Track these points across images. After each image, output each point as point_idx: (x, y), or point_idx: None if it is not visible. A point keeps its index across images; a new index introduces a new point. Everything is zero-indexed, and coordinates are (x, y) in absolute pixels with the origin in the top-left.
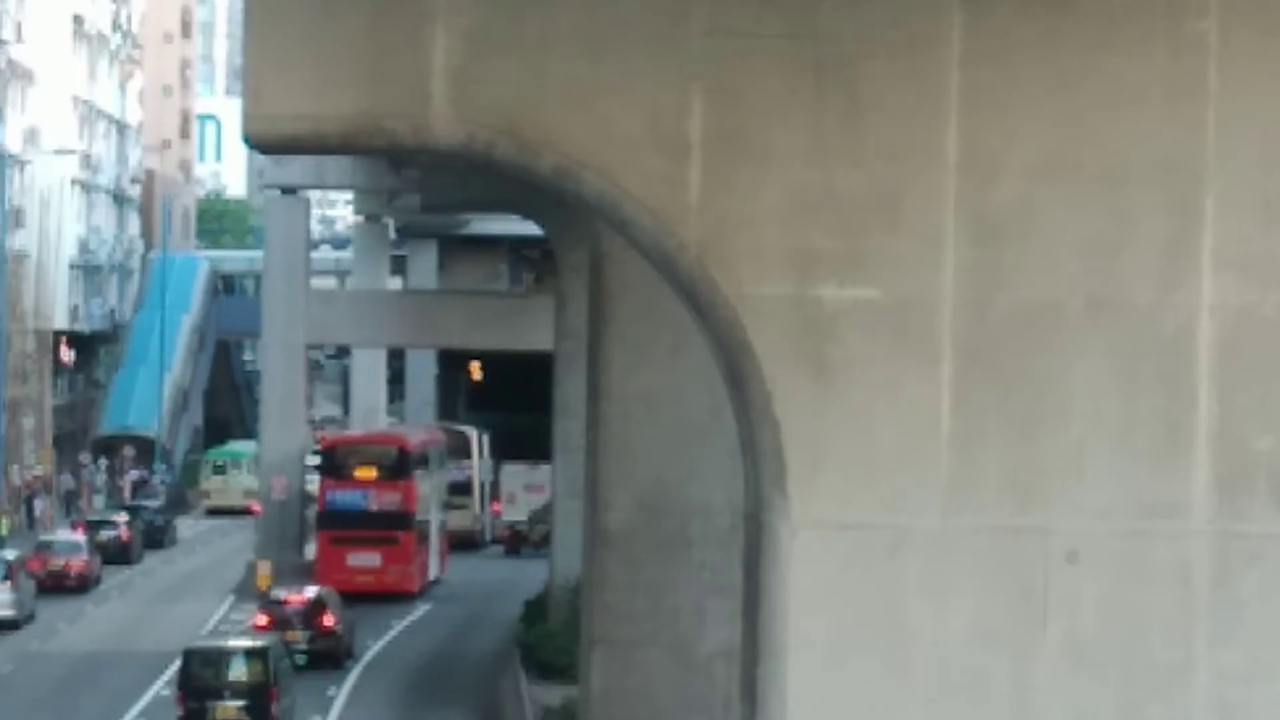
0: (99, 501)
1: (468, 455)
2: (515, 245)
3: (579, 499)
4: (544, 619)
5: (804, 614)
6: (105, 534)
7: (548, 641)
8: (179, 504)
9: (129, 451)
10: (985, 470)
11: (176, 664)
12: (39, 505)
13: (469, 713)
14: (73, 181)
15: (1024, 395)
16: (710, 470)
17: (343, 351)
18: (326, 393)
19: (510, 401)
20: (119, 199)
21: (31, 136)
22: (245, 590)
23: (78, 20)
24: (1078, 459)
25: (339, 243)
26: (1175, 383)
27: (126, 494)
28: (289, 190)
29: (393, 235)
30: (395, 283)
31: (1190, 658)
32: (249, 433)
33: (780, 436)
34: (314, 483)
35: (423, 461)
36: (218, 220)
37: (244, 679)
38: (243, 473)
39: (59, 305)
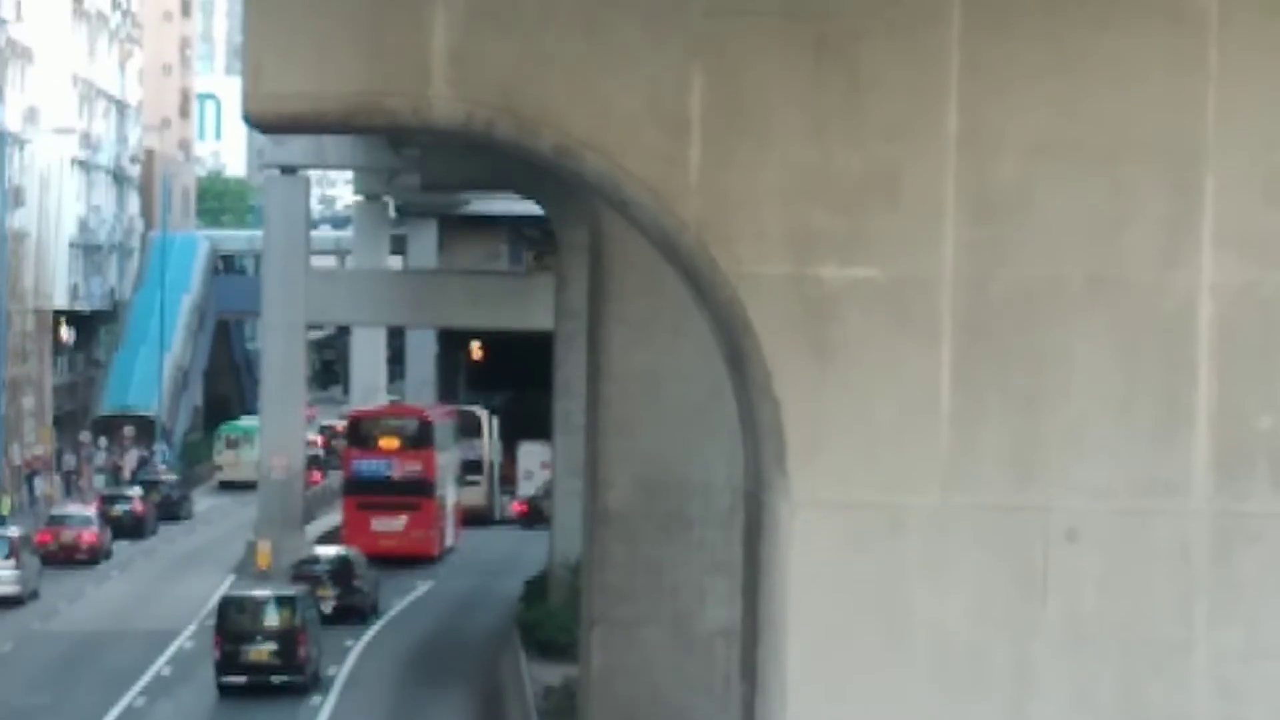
0: (99, 481)
1: (479, 436)
2: (515, 224)
3: (579, 478)
4: (544, 598)
5: (804, 592)
6: (120, 508)
7: (548, 621)
8: (188, 479)
9: (129, 431)
10: (985, 449)
11: (178, 641)
12: (39, 484)
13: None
14: (72, 161)
15: (1024, 374)
16: (710, 449)
17: (342, 331)
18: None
19: (510, 381)
20: (119, 178)
21: (31, 115)
22: (245, 569)
23: None
24: (1078, 437)
25: (339, 222)
26: (1175, 361)
27: (126, 473)
28: (289, 169)
29: (392, 214)
30: (395, 262)
31: (1190, 636)
32: (249, 411)
33: (780, 415)
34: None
35: (441, 434)
36: (217, 199)
37: (275, 625)
38: (255, 447)
39: (59, 284)
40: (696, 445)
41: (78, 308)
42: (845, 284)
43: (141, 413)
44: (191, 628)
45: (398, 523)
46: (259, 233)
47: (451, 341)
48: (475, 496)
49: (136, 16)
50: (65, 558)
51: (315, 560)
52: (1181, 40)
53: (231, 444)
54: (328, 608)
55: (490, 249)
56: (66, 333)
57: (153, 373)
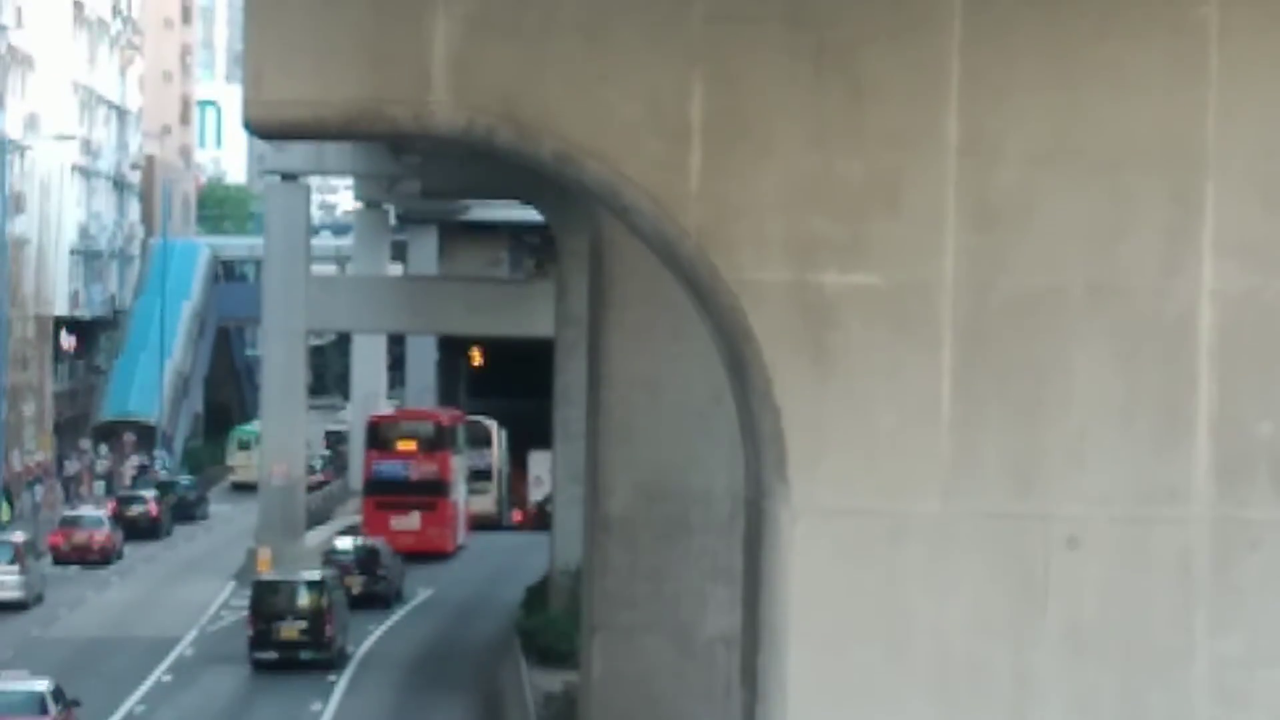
0: (99, 487)
1: (488, 445)
2: (516, 231)
3: (579, 485)
4: (544, 605)
5: (805, 600)
6: (135, 509)
7: (548, 627)
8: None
9: (129, 437)
10: (986, 456)
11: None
12: (38, 491)
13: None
14: (73, 167)
15: (1025, 381)
16: (711, 456)
17: (343, 338)
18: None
19: (510, 387)
20: (119, 185)
21: (32, 122)
22: (245, 576)
23: (78, 6)
24: (1078, 445)
25: (339, 229)
26: (1176, 368)
27: (127, 480)
28: (289, 176)
29: (393, 221)
30: (395, 269)
31: (1190, 644)
32: (249, 419)
33: (781, 422)
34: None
35: (454, 438)
36: (218, 206)
37: (304, 605)
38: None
39: (59, 291)
40: (697, 452)
41: (78, 314)
42: (846, 291)
43: (142, 419)
44: (192, 634)
45: (414, 521)
46: (259, 239)
47: (452, 348)
48: (485, 504)
49: (137, 23)
50: (77, 558)
51: (345, 550)
52: (1182, 49)
53: (244, 446)
54: (354, 593)
55: (491, 256)
56: (67, 339)
57: (153, 379)
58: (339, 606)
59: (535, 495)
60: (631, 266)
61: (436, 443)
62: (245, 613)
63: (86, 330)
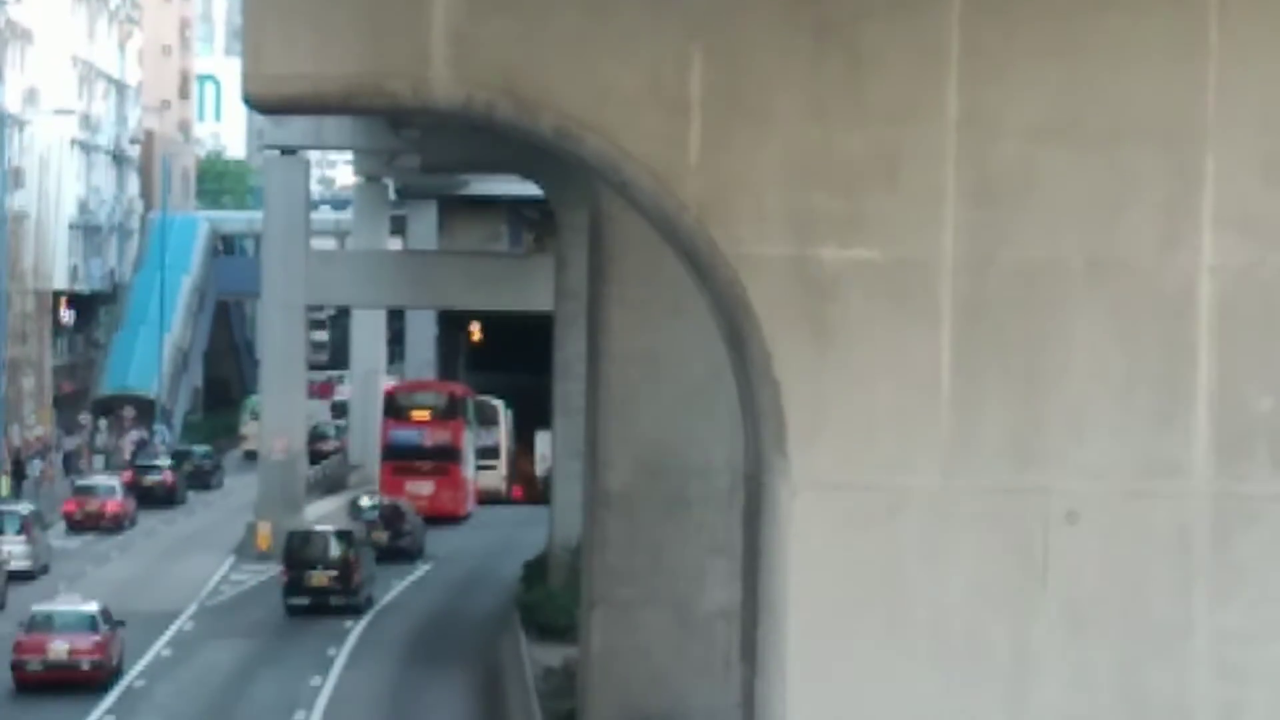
0: (98, 462)
1: (496, 424)
2: (515, 206)
3: (578, 460)
4: (544, 580)
5: (804, 574)
6: (151, 478)
7: (548, 602)
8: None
9: (129, 412)
10: (985, 430)
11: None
12: (37, 465)
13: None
14: (72, 142)
15: (1024, 356)
16: (710, 431)
17: (342, 312)
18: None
19: (509, 362)
20: (118, 159)
21: (30, 96)
22: (245, 551)
23: None
24: (1078, 419)
25: (339, 203)
26: (1176, 343)
27: (126, 454)
28: (288, 151)
29: (392, 196)
30: (395, 243)
31: (1189, 618)
32: (248, 393)
33: (780, 397)
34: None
35: (465, 409)
36: (217, 180)
37: (333, 555)
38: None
39: (58, 265)
40: (696, 427)
41: (77, 289)
42: (845, 266)
43: (141, 394)
44: (192, 608)
45: (428, 486)
46: (259, 214)
47: (451, 323)
48: (492, 479)
49: None
50: (90, 525)
51: (372, 507)
52: (1181, 22)
53: (257, 416)
54: (381, 547)
55: (490, 230)
56: (66, 314)
57: (152, 354)
58: (366, 557)
59: (540, 472)
60: (631, 241)
61: (449, 412)
62: (245, 587)
63: (86, 305)
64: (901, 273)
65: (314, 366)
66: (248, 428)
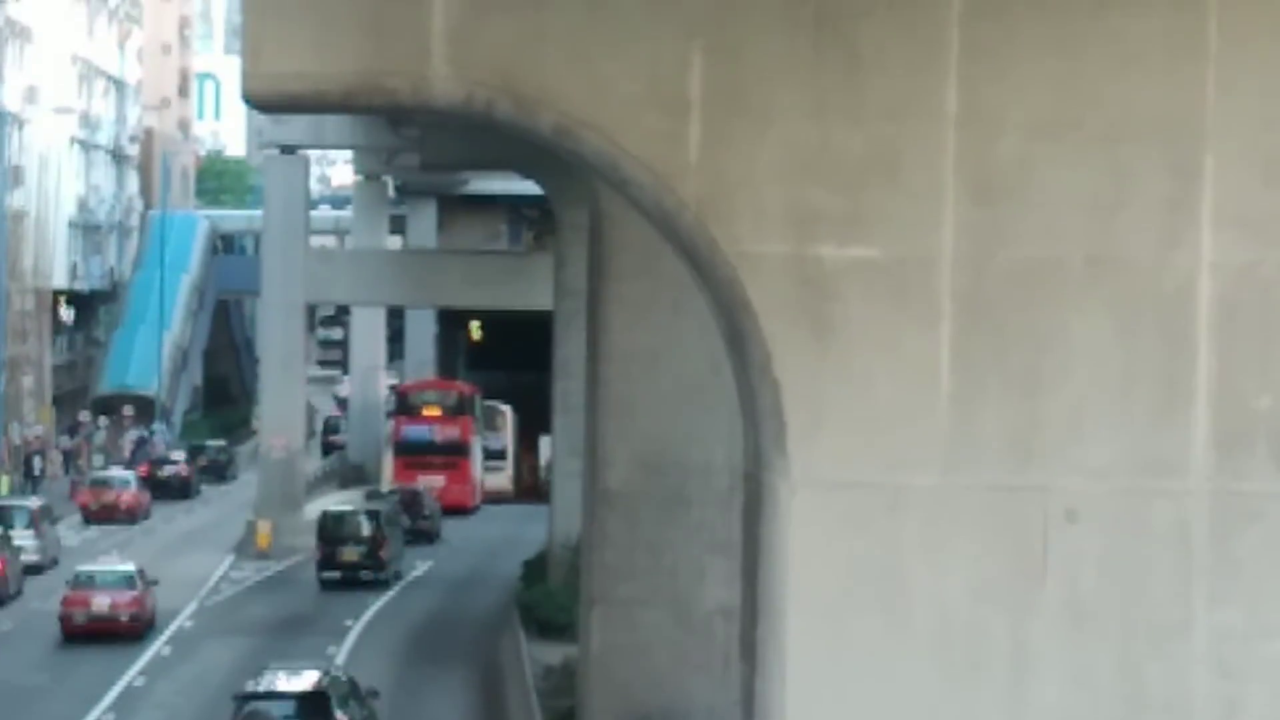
0: (98, 460)
1: (503, 428)
2: (515, 204)
3: (578, 458)
4: (543, 578)
5: (803, 573)
6: (166, 471)
7: (547, 600)
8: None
9: (128, 410)
10: (985, 428)
11: (178, 621)
12: (37, 463)
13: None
14: (71, 140)
15: (1024, 353)
16: (710, 429)
17: (340, 312)
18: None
19: (509, 360)
20: (118, 157)
21: (30, 95)
22: (244, 549)
23: None
24: (1077, 417)
25: (338, 201)
26: (1175, 341)
27: (125, 453)
28: (288, 149)
29: (392, 194)
30: (394, 242)
31: (1189, 616)
32: (248, 392)
33: (780, 395)
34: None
35: (473, 406)
36: (217, 179)
37: (364, 533)
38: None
39: (58, 264)
40: (696, 425)
41: (77, 287)
42: (845, 264)
43: (141, 392)
44: (192, 607)
45: (439, 479)
46: (258, 212)
47: (451, 321)
48: (499, 480)
49: None
50: (105, 517)
51: (394, 493)
52: (1181, 21)
53: None
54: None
55: (490, 229)
56: (66, 312)
57: (152, 352)
58: (394, 535)
59: (544, 475)
60: (630, 239)
61: (458, 409)
62: (244, 585)
63: (85, 303)
64: (901, 271)
65: (326, 364)
66: (259, 421)
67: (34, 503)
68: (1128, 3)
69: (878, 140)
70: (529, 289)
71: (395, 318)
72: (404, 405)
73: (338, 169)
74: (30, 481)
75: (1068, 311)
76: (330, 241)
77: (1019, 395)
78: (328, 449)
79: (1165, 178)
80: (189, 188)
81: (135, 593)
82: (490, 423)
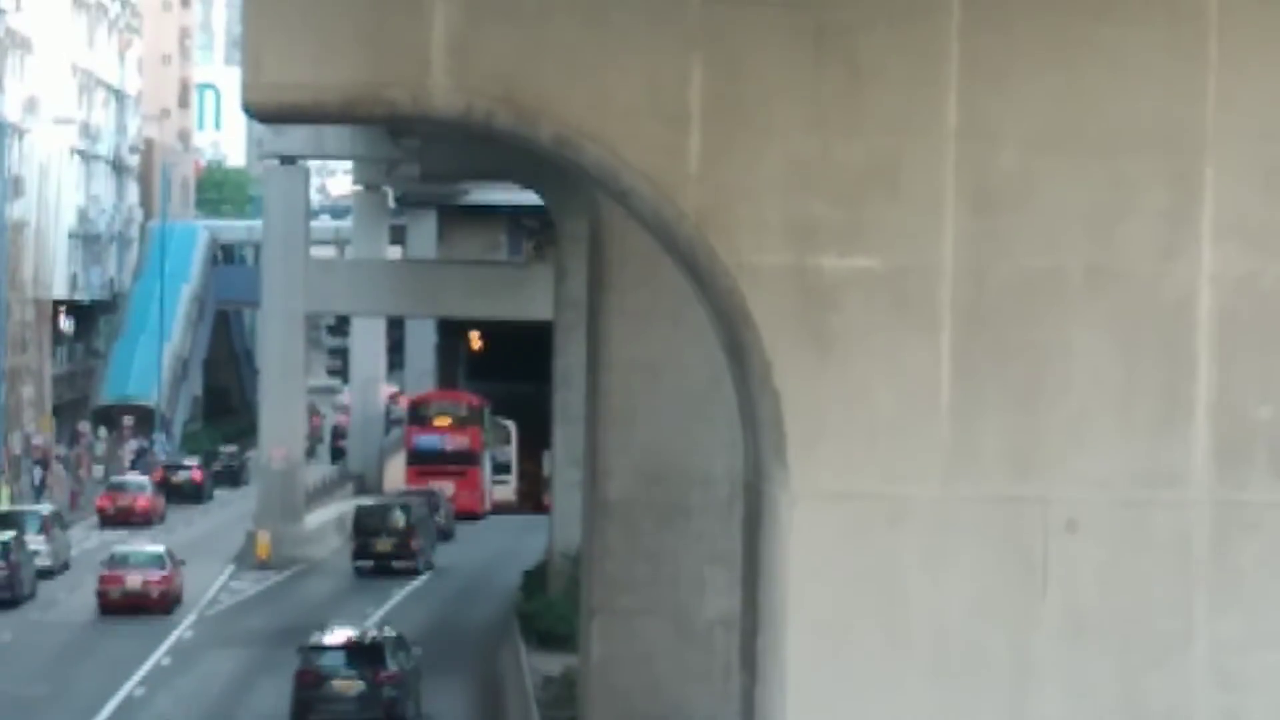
0: (97, 471)
1: (508, 443)
2: (514, 215)
3: (578, 469)
4: (543, 588)
5: (804, 583)
6: (180, 476)
7: (547, 611)
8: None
9: (128, 420)
10: (985, 439)
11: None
12: (38, 473)
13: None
14: (72, 150)
15: (1024, 365)
16: (710, 440)
17: (342, 322)
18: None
19: (509, 371)
20: (118, 168)
21: (30, 105)
22: (244, 559)
23: None
24: (1078, 428)
25: (338, 212)
26: (1175, 352)
27: (126, 463)
28: (288, 159)
29: (392, 205)
30: (394, 252)
31: (1189, 627)
32: (248, 402)
33: (780, 406)
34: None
35: (482, 417)
36: (217, 189)
37: (396, 525)
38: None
39: (58, 274)
40: (696, 435)
41: (77, 297)
42: (845, 274)
43: (141, 402)
44: (191, 617)
45: (450, 487)
46: (258, 223)
47: (451, 331)
48: (505, 492)
49: (136, 6)
50: (123, 521)
51: (414, 492)
52: (1181, 31)
53: None
54: None
55: (490, 239)
56: (66, 322)
57: (152, 363)
58: (424, 527)
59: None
60: (630, 250)
61: (467, 420)
62: (245, 595)
63: (85, 313)
64: (901, 282)
65: (335, 372)
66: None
67: (45, 509)
68: (1127, 14)
69: (878, 152)
70: (529, 299)
71: (395, 328)
72: (416, 415)
73: (336, 179)
74: (34, 491)
75: (1068, 323)
76: (330, 252)
77: (1019, 406)
78: (337, 454)
79: (1165, 189)
80: (189, 198)
81: (165, 571)
82: (496, 438)
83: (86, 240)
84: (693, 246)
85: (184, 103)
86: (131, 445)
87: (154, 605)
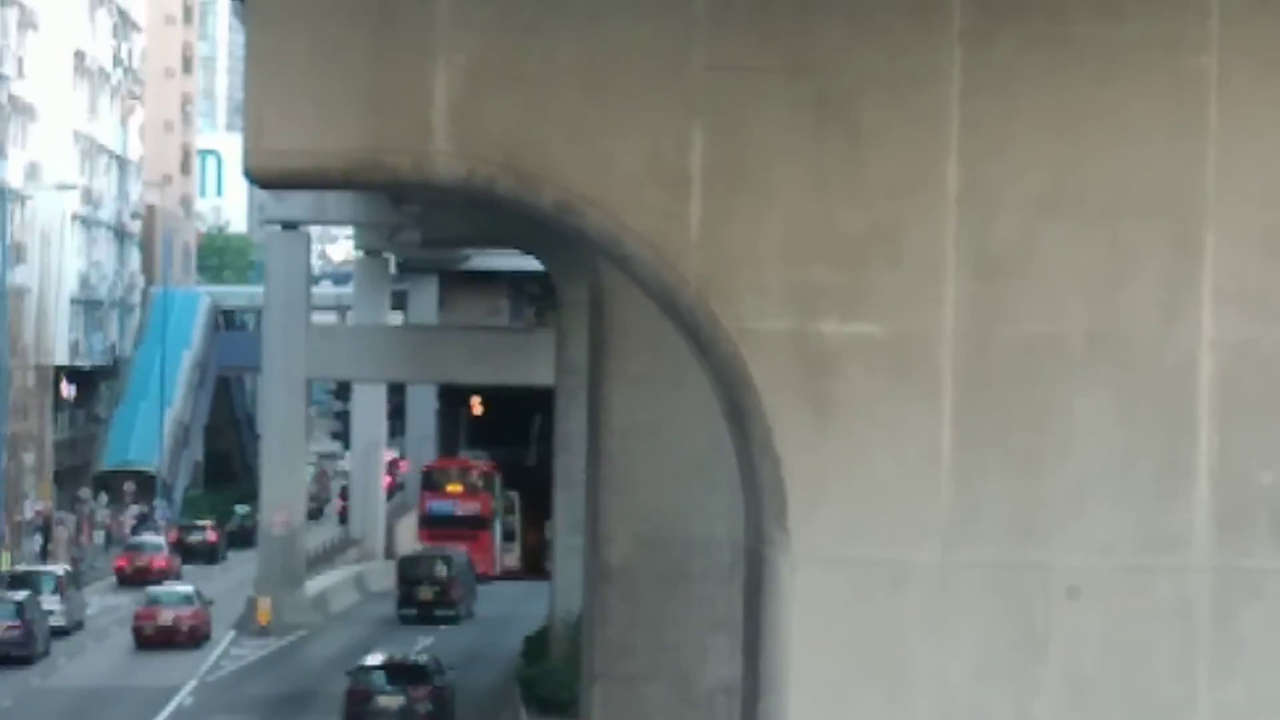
0: (98, 537)
1: (513, 514)
2: (516, 280)
3: (579, 534)
4: (545, 654)
5: (805, 649)
6: (194, 537)
7: (548, 677)
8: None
9: (129, 486)
10: (986, 505)
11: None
12: (37, 539)
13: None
14: (73, 216)
15: (1025, 430)
16: (711, 504)
17: (343, 388)
18: (323, 427)
19: (510, 436)
20: (120, 234)
21: (32, 171)
22: (245, 626)
23: (79, 55)
24: (1079, 494)
25: (340, 277)
26: (1176, 418)
27: (126, 529)
28: (290, 225)
29: (393, 270)
30: (396, 318)
31: (1191, 693)
32: (249, 468)
33: (781, 471)
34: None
35: (492, 484)
36: (218, 255)
37: (438, 575)
38: (309, 480)
39: (60, 340)
40: (697, 500)
41: (78, 363)
42: (846, 340)
43: (142, 468)
44: (192, 683)
45: (461, 550)
46: (260, 288)
47: (452, 397)
48: (510, 559)
49: (138, 73)
50: (140, 580)
51: (440, 550)
52: (1181, 97)
53: None
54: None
55: (491, 304)
56: (67, 388)
57: (153, 428)
58: (464, 578)
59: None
60: (631, 315)
61: (479, 486)
62: (247, 661)
63: (87, 379)
64: (902, 347)
65: (339, 436)
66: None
67: (60, 569)
68: (1128, 79)
69: (879, 217)
70: (530, 365)
71: (396, 393)
72: (429, 482)
73: (337, 245)
74: (38, 557)
75: (1069, 388)
76: (332, 318)
77: (1020, 471)
78: (344, 516)
79: (1166, 254)
80: (191, 264)
81: (195, 608)
82: (504, 509)
83: (88, 306)
84: (694, 312)
85: (186, 169)
86: (133, 511)
87: (184, 639)
